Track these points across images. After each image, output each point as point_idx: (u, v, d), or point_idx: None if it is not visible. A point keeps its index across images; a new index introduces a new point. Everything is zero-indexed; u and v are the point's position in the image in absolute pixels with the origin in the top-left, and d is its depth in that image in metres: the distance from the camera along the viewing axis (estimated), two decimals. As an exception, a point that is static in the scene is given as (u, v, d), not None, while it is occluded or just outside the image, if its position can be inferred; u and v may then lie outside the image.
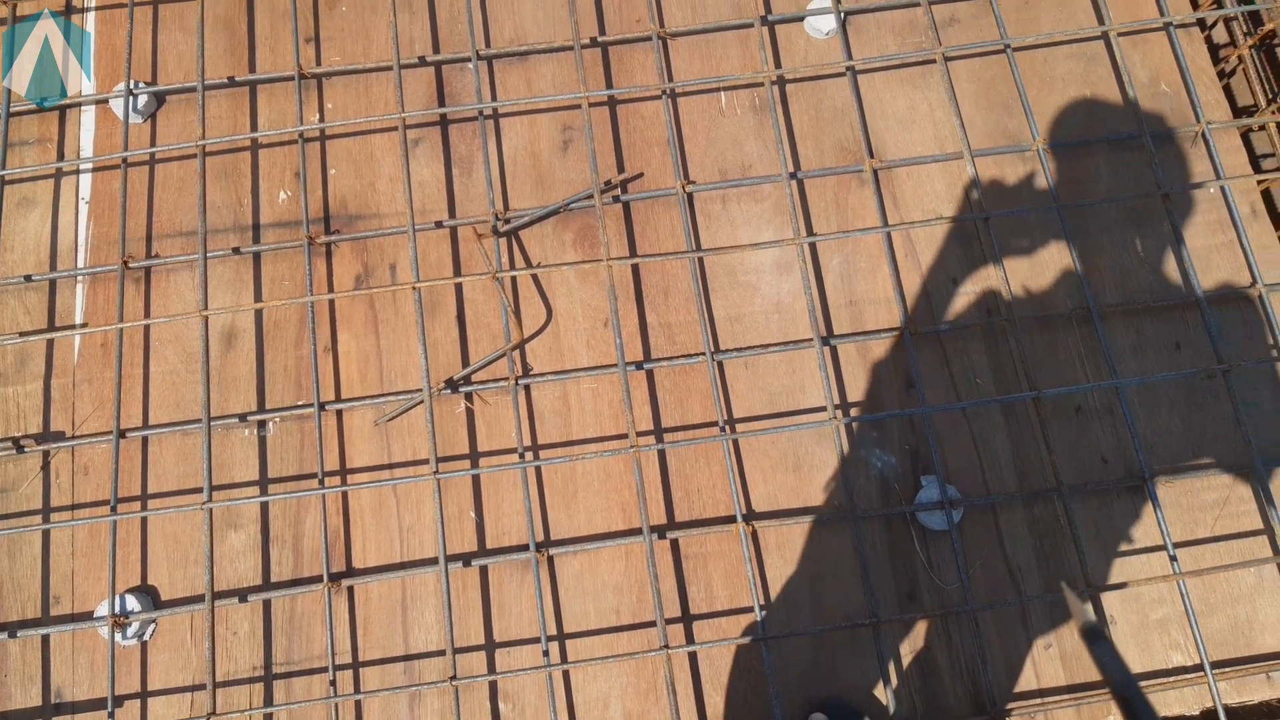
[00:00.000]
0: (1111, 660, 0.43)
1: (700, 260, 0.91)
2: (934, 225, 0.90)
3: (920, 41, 0.98)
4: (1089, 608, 0.48)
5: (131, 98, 0.93)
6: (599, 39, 0.98)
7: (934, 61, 0.96)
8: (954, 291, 0.91)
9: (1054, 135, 0.95)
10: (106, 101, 0.96)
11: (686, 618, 0.83)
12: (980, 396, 0.88)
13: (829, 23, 0.97)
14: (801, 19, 0.99)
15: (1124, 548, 0.85)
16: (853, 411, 0.87)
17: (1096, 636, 0.44)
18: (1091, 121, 0.96)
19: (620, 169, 0.95)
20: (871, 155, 0.93)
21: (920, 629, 0.82)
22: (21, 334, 0.88)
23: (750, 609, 0.83)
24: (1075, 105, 0.97)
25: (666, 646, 0.77)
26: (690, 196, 0.93)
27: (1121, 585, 0.81)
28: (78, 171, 0.94)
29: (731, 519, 0.85)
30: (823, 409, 0.87)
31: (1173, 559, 0.81)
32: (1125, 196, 0.92)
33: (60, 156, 0.95)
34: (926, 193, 0.94)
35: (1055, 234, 0.92)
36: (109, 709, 0.78)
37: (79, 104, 0.96)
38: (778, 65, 0.98)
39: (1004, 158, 0.94)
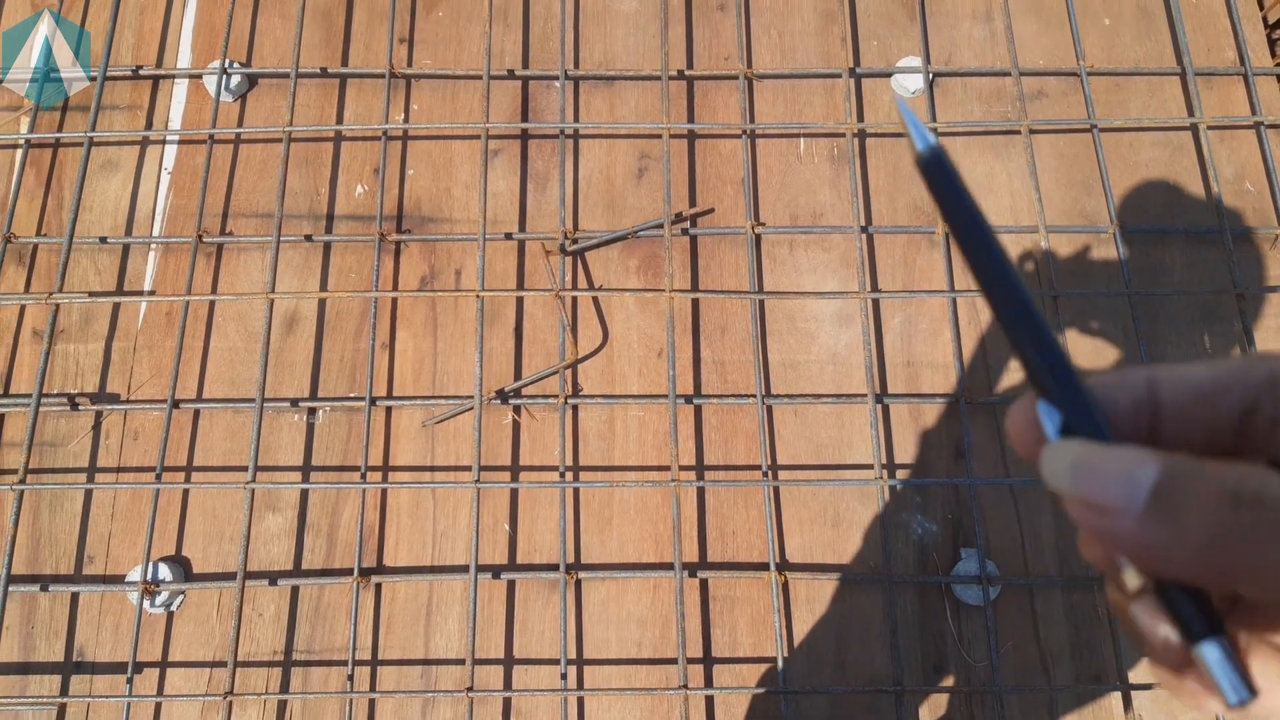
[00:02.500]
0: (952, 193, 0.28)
1: (761, 302, 0.91)
2: (1001, 296, 0.90)
3: (1006, 111, 0.98)
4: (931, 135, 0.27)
5: (225, 77, 0.95)
6: (686, 72, 0.98)
7: (1018, 133, 0.96)
8: (1014, 365, 0.90)
9: (1132, 220, 0.94)
10: (200, 77, 0.98)
11: (708, 659, 0.82)
12: (1030, 475, 0.86)
13: (917, 82, 0.97)
14: (889, 75, 0.99)
15: (1160, 647, 0.83)
16: (899, 474, 0.87)
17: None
18: (1171, 211, 0.95)
19: (692, 202, 0.95)
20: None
21: (943, 702, 0.81)
22: (90, 294, 0.90)
23: (773, 659, 0.82)
24: (1156, 193, 0.96)
25: (685, 687, 0.77)
26: (758, 238, 0.93)
27: (1153, 686, 0.79)
28: (164, 142, 0.96)
29: (764, 566, 0.84)
30: (869, 466, 0.87)
31: (1209, 665, 0.80)
32: (1199, 291, 0.91)
33: (149, 125, 0.97)
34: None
35: (1123, 320, 0.91)
36: (128, 674, 0.79)
37: (173, 76, 0.98)
38: (861, 118, 0.98)
39: (1078, 237, 0.94)
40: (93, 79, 0.95)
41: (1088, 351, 0.90)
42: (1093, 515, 0.22)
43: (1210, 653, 0.22)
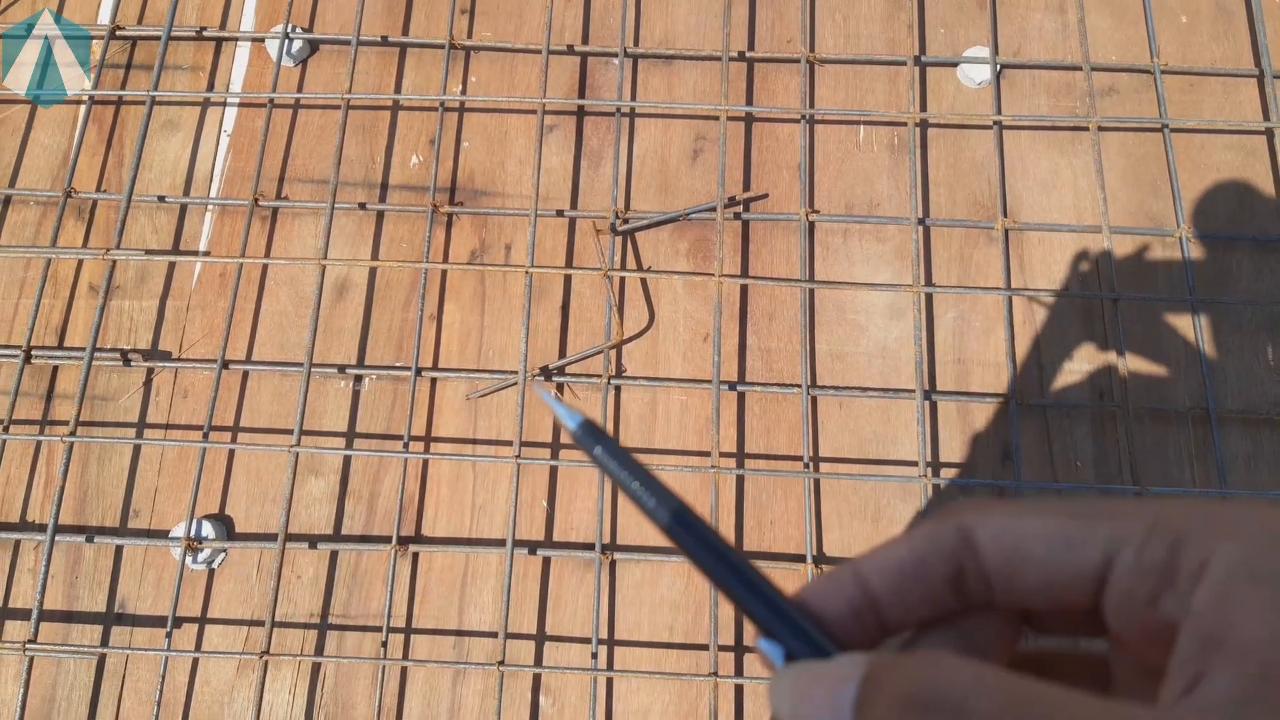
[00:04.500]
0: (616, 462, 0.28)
1: (811, 291, 0.90)
2: (1059, 296, 0.88)
3: (1074, 106, 0.96)
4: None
5: (287, 41, 0.95)
6: (747, 54, 0.97)
7: (1086, 129, 0.94)
8: (1068, 368, 0.88)
9: (1199, 225, 0.92)
10: (262, 41, 0.98)
11: (739, 648, 0.82)
12: (1079, 481, 0.85)
13: (984, 73, 0.95)
14: (956, 65, 0.97)
15: (1204, 663, 0.81)
16: (944, 472, 0.85)
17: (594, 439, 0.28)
18: (1240, 217, 0.93)
19: (746, 186, 0.94)
20: (1005, 214, 0.91)
21: (976, 705, 0.80)
22: (147, 251, 0.91)
23: (805, 651, 0.81)
24: (1226, 197, 0.93)
25: (716, 674, 0.76)
26: (812, 225, 0.92)
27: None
28: (225, 104, 0.97)
29: (801, 558, 0.83)
30: (912, 463, 0.85)
31: (1255, 685, 0.78)
32: (1265, 301, 0.88)
33: (210, 87, 0.98)
34: (1056, 261, 0.91)
35: (1184, 327, 0.88)
36: (168, 628, 0.80)
37: (236, 39, 0.99)
38: (924, 108, 0.96)
39: (1142, 239, 0.91)
40: (157, 38, 0.96)
41: (1145, 358, 0.88)
42: None
43: None
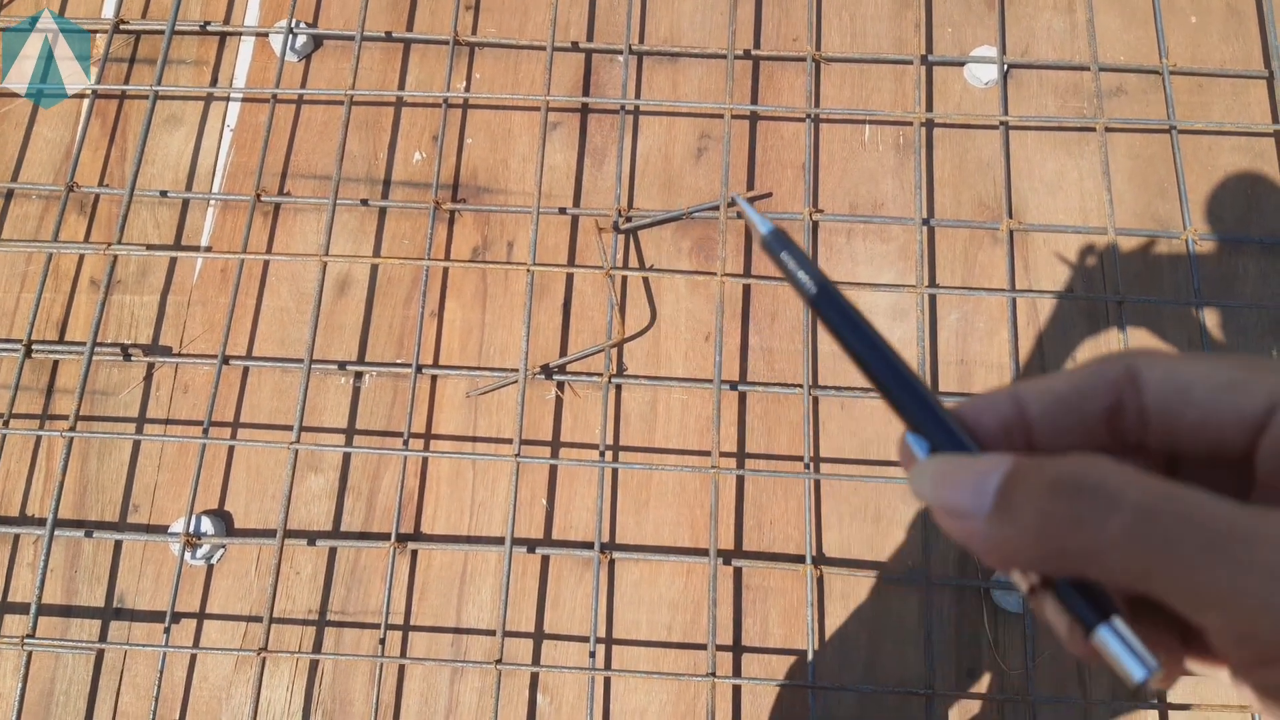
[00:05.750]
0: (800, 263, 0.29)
1: (814, 291, 0.89)
2: (1063, 298, 0.87)
3: (1081, 107, 0.95)
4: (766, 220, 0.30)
5: (291, 36, 0.95)
6: (752, 52, 0.96)
7: (1093, 130, 0.93)
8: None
9: (1206, 227, 0.91)
10: (266, 36, 0.98)
11: (737, 648, 0.82)
12: (1081, 484, 0.84)
13: (990, 73, 0.94)
14: (963, 64, 0.96)
15: (1205, 669, 0.80)
16: (945, 474, 0.85)
17: (782, 245, 0.29)
18: (1248, 219, 0.92)
19: (750, 185, 0.93)
20: (1010, 215, 0.90)
21: (974, 709, 0.80)
22: (148, 246, 0.91)
23: (803, 653, 0.81)
24: (1233, 200, 0.92)
25: (714, 674, 0.76)
26: (816, 225, 0.92)
27: (1190, 707, 0.77)
28: (228, 99, 0.97)
29: (800, 559, 0.83)
30: (914, 465, 0.85)
31: (1256, 691, 0.77)
32: (1271, 304, 0.87)
33: (213, 82, 0.97)
34: (1061, 263, 0.90)
35: (1189, 329, 0.88)
36: (166, 624, 0.80)
37: (240, 33, 0.99)
38: (930, 108, 0.95)
39: (1148, 241, 0.90)
40: (161, 33, 0.96)
41: (1150, 361, 0.87)
42: (951, 521, 0.24)
43: (1105, 639, 0.23)
